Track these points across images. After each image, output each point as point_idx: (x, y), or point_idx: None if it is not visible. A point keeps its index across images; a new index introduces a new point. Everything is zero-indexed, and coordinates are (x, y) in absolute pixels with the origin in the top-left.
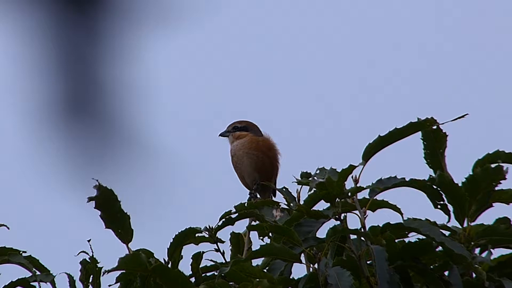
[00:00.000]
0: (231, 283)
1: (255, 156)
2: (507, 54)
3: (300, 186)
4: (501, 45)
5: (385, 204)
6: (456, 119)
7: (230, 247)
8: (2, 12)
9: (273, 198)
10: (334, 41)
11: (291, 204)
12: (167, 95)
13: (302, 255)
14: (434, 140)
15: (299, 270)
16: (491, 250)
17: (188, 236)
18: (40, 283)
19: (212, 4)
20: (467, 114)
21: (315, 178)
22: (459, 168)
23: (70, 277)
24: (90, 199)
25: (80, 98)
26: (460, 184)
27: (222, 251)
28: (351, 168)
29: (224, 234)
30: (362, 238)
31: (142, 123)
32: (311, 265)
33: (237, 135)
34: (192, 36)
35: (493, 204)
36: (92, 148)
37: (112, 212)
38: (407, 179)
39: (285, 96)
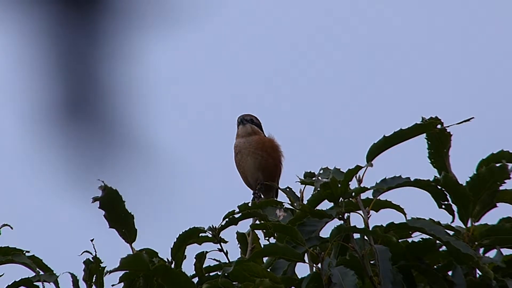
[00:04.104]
0: (234, 282)
1: (260, 156)
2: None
3: (304, 186)
4: (506, 44)
5: (388, 204)
6: (461, 122)
7: (239, 245)
8: (2, 12)
9: (275, 198)
10: (337, 40)
11: (295, 204)
12: (168, 95)
13: (306, 254)
14: (438, 140)
15: (302, 270)
16: (498, 250)
17: (191, 236)
18: (44, 283)
19: (212, 4)
20: (472, 117)
21: (319, 178)
22: (463, 168)
23: (74, 277)
24: (95, 199)
25: (80, 99)
26: (464, 184)
27: (225, 251)
28: (357, 168)
29: (228, 234)
30: (366, 238)
31: (143, 123)
32: (314, 265)
33: (255, 130)
34: (192, 36)
35: (497, 204)
36: (93, 148)
37: (116, 212)
38: (411, 179)
39: (286, 96)
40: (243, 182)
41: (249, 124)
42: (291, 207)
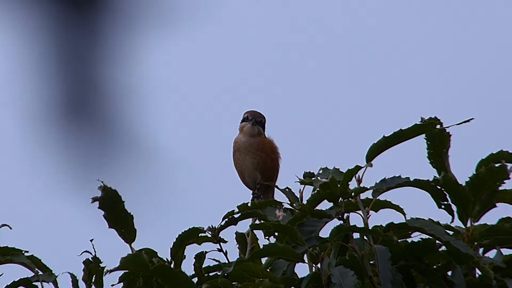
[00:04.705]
0: (234, 282)
1: (258, 156)
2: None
3: (303, 186)
4: (506, 44)
5: (387, 205)
6: (461, 123)
7: (238, 246)
8: (2, 12)
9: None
10: (338, 40)
11: (294, 204)
12: (168, 95)
13: (305, 254)
14: (438, 140)
15: (302, 270)
16: (498, 250)
17: (191, 236)
18: (43, 283)
19: (212, 4)
20: (472, 118)
21: (319, 178)
22: (462, 168)
23: (73, 277)
24: (94, 199)
25: (80, 99)
26: (463, 184)
27: (225, 251)
28: (357, 168)
29: (227, 234)
30: (365, 238)
31: (143, 123)
32: (314, 265)
33: (260, 132)
34: (193, 36)
35: (497, 204)
36: (93, 148)
37: (115, 212)
38: (411, 179)
39: (287, 95)
40: (240, 180)
41: (257, 126)
42: (291, 207)
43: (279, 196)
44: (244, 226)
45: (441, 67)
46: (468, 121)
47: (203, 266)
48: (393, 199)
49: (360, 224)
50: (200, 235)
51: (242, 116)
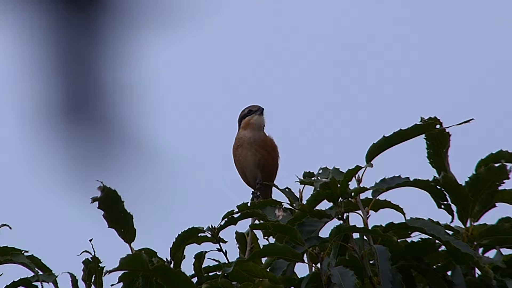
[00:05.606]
0: (234, 282)
1: (260, 154)
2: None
3: (303, 185)
4: (506, 43)
5: (387, 204)
6: (461, 123)
7: (238, 245)
8: (2, 12)
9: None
10: (338, 40)
11: (294, 204)
12: (168, 95)
13: (305, 254)
14: (437, 140)
15: (301, 270)
16: (498, 250)
17: (190, 235)
18: (42, 283)
19: (212, 4)
20: (472, 119)
21: (319, 178)
22: (462, 168)
23: (73, 277)
24: (94, 199)
25: (80, 99)
26: (463, 184)
27: (224, 250)
28: (357, 168)
29: (227, 234)
30: (365, 238)
31: (143, 123)
32: (314, 265)
33: (262, 122)
34: (192, 37)
35: (496, 204)
36: (92, 149)
37: (115, 212)
38: (411, 179)
39: (287, 95)
40: (241, 178)
41: (261, 113)
42: (291, 207)
43: (278, 195)
44: (244, 226)
45: (442, 67)
46: (468, 121)
47: (203, 266)
48: (393, 199)
49: (360, 224)
50: (200, 235)
51: (240, 114)
